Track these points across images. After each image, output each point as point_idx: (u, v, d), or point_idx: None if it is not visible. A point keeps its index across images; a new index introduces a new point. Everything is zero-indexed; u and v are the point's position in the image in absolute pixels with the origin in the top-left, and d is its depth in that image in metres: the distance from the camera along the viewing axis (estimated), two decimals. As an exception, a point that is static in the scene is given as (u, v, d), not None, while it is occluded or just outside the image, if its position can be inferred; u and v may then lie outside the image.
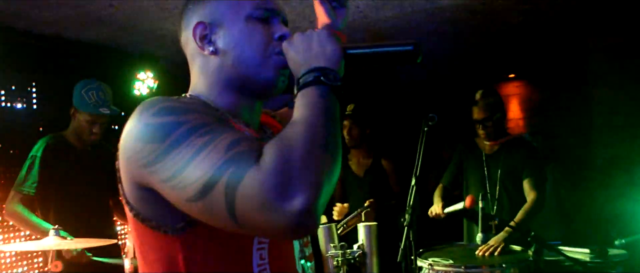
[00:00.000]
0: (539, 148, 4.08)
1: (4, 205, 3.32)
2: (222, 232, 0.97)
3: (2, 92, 3.95)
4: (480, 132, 3.55)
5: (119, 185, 1.09)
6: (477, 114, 3.53)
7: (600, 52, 4.90)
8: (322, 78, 1.02)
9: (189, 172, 0.90)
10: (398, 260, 2.60)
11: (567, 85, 5.84)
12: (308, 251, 1.31)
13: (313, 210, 0.86)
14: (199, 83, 1.21)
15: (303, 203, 0.84)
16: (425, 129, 2.90)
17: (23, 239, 3.81)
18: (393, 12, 4.01)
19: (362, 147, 4.23)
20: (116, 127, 4.46)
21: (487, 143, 3.60)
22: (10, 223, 3.56)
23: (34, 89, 4.18)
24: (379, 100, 7.23)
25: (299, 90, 1.03)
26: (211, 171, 0.88)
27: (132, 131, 1.01)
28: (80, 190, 3.39)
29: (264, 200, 0.84)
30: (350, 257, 3.07)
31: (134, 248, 1.13)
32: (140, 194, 1.03)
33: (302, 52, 1.08)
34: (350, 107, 4.20)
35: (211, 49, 1.18)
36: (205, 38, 1.18)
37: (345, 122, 4.16)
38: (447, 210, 3.48)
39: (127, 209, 1.09)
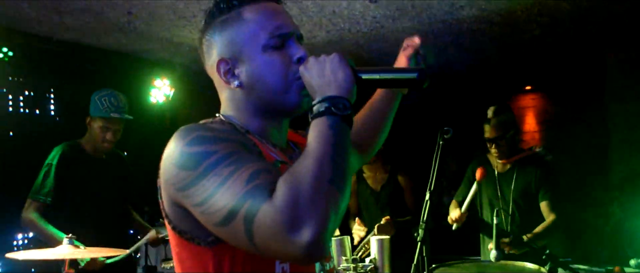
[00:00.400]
0: (552, 163, 4.03)
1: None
2: None
3: (21, 99, 4.00)
4: (493, 150, 3.50)
5: (160, 200, 1.20)
6: (489, 132, 3.47)
7: (618, 67, 4.85)
8: (332, 108, 1.09)
9: (215, 200, 1.02)
10: (410, 275, 2.57)
11: (585, 100, 5.78)
12: (329, 265, 1.35)
13: (321, 240, 0.94)
14: (228, 109, 1.31)
15: (311, 236, 0.93)
16: (441, 142, 2.87)
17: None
18: (411, 23, 4.01)
19: (378, 161, 4.20)
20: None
21: (500, 161, 3.56)
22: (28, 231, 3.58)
23: (51, 96, 4.23)
24: (396, 114, 7.20)
25: (311, 119, 1.11)
26: (233, 202, 0.99)
27: (170, 156, 1.12)
28: (94, 198, 3.41)
29: (276, 233, 0.94)
30: (362, 270, 3.06)
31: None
32: (177, 211, 1.14)
33: (316, 78, 1.16)
34: None
35: (236, 83, 1.26)
36: (228, 72, 1.27)
37: None
38: (465, 206, 3.41)
39: (166, 222, 1.20)
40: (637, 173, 4.17)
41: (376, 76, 1.20)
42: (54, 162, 3.30)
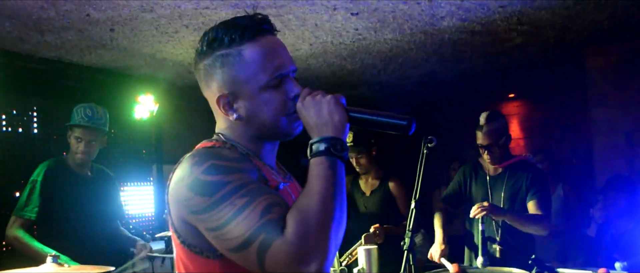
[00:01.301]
0: (543, 171, 4.06)
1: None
2: None
3: (3, 117, 3.97)
4: (485, 157, 3.53)
5: (168, 217, 1.30)
6: (481, 139, 3.49)
7: (599, 71, 4.91)
8: (331, 149, 1.23)
9: (230, 228, 1.14)
10: (398, 284, 2.58)
11: (567, 105, 5.85)
12: None
13: (325, 268, 1.12)
14: (227, 132, 1.40)
15: (318, 267, 1.10)
16: (425, 151, 2.89)
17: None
18: (392, 35, 4.04)
19: (372, 167, 4.21)
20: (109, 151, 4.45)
21: (492, 166, 3.59)
22: (10, 248, 3.54)
23: (35, 114, 4.20)
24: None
25: (311, 156, 1.25)
26: (248, 232, 1.12)
27: (184, 180, 1.22)
28: (80, 215, 3.38)
29: (288, 264, 1.09)
30: (350, 280, 3.05)
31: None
32: (188, 228, 1.24)
33: (313, 118, 1.29)
34: (349, 138, 4.14)
35: (235, 115, 1.36)
36: (227, 105, 1.36)
37: (351, 154, 4.11)
38: (443, 260, 3.45)
39: (174, 236, 1.30)
40: (620, 177, 4.21)
41: (367, 118, 1.33)
42: (39, 178, 3.28)
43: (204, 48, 1.36)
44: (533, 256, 2.78)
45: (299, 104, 1.31)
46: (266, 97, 1.33)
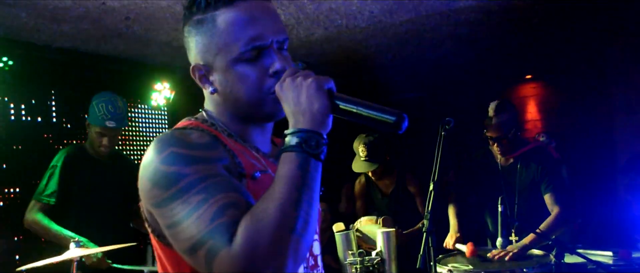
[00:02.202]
0: (555, 156, 4.01)
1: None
2: None
3: (23, 107, 4.02)
4: (495, 148, 3.49)
5: (141, 204, 1.18)
6: (490, 131, 3.45)
7: (618, 51, 4.84)
8: (303, 145, 1.07)
9: (181, 228, 1.02)
10: (417, 266, 2.58)
11: (586, 86, 5.77)
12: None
13: None
14: (211, 107, 1.30)
15: None
16: (443, 133, 2.88)
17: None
18: (408, 16, 4.00)
19: (384, 167, 4.19)
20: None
21: (503, 156, 3.55)
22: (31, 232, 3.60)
23: (53, 103, 4.24)
24: (398, 107, 7.20)
25: (282, 150, 1.09)
26: (197, 237, 0.99)
27: (146, 168, 1.11)
28: (99, 199, 3.44)
29: None
30: (368, 264, 3.06)
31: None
32: (154, 218, 1.13)
33: (291, 103, 1.12)
34: (363, 153, 4.06)
35: (211, 89, 1.25)
36: (203, 78, 1.25)
37: (365, 169, 4.08)
38: (457, 246, 3.44)
39: (146, 225, 1.19)
40: (641, 157, 4.16)
41: (353, 109, 1.14)
42: (59, 164, 3.35)
43: (185, 12, 1.25)
44: (553, 236, 2.76)
45: (277, 86, 1.16)
46: (240, 71, 1.19)
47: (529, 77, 6.63)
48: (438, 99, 6.92)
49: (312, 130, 1.09)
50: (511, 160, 3.53)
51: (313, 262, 1.31)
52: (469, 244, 3.24)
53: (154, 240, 1.20)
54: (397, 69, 5.88)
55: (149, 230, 1.19)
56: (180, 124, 1.27)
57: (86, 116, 3.50)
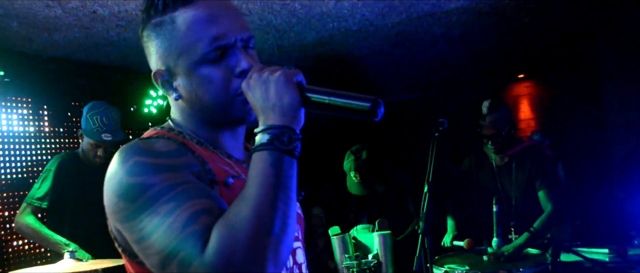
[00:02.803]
0: (551, 148, 4.03)
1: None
2: None
3: (15, 117, 4.01)
4: (490, 147, 3.50)
5: (107, 221, 1.11)
6: (485, 130, 3.45)
7: (609, 49, 4.86)
8: (275, 141, 1.00)
9: (151, 242, 0.95)
10: (414, 268, 2.58)
11: (578, 83, 5.80)
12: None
13: None
14: (177, 115, 1.22)
15: None
16: (436, 134, 2.88)
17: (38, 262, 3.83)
18: (400, 18, 4.01)
19: (378, 165, 4.19)
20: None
21: (497, 155, 3.56)
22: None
23: (46, 113, 4.23)
24: (391, 109, 7.22)
25: (252, 150, 1.02)
26: (168, 248, 0.92)
27: (110, 181, 1.04)
28: (92, 206, 3.43)
29: None
30: (365, 266, 3.06)
31: None
32: (122, 235, 1.06)
33: (259, 100, 1.05)
34: (356, 178, 4.02)
35: (175, 95, 1.17)
36: (166, 83, 1.18)
37: (355, 175, 4.04)
38: (455, 243, 3.45)
39: (115, 244, 1.13)
40: (635, 153, 4.17)
41: (325, 99, 1.06)
42: (53, 168, 3.36)
43: (142, 17, 1.17)
44: (548, 235, 2.76)
45: (244, 84, 1.08)
46: (204, 73, 1.11)
47: (521, 76, 6.65)
48: (431, 100, 6.94)
49: (283, 125, 1.02)
50: (506, 159, 3.54)
51: (298, 271, 1.24)
52: (468, 239, 3.25)
53: (125, 260, 1.12)
54: (390, 71, 5.89)
55: (119, 249, 1.11)
56: (145, 134, 1.20)
57: (79, 126, 3.49)
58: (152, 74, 1.18)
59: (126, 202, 0.99)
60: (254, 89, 1.06)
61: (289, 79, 1.05)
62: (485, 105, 3.44)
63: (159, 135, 1.16)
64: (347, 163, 4.01)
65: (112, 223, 1.07)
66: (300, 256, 1.28)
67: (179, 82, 1.15)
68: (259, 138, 1.02)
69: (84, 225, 3.38)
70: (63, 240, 3.11)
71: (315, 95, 1.07)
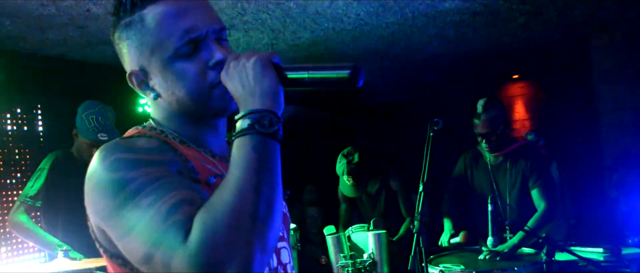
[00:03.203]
0: (545, 148, 4.04)
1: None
2: None
3: (8, 116, 3.98)
4: (484, 145, 3.51)
5: (88, 222, 1.10)
6: (479, 128, 3.46)
7: (602, 49, 4.87)
8: (256, 125, 0.98)
9: (133, 237, 0.92)
10: (409, 267, 2.58)
11: (572, 84, 5.82)
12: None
13: None
14: (158, 114, 1.20)
15: None
16: (431, 134, 2.89)
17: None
18: (394, 18, 4.01)
19: (369, 166, 4.19)
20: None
21: (492, 154, 3.57)
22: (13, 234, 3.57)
23: (39, 112, 4.21)
24: (386, 109, 7.23)
25: (234, 136, 1.00)
26: (150, 241, 0.90)
27: (91, 180, 1.02)
28: (81, 204, 3.41)
29: None
30: (360, 266, 3.06)
31: None
32: (105, 236, 1.04)
33: (238, 88, 1.04)
34: (349, 180, 4.03)
35: (153, 94, 1.16)
36: (142, 84, 1.16)
37: (348, 178, 4.06)
38: (452, 241, 3.45)
39: (96, 245, 1.11)
40: (629, 154, 4.19)
41: (305, 75, 1.06)
42: (47, 167, 3.34)
43: (113, 19, 1.15)
44: (543, 234, 2.77)
45: (223, 74, 1.07)
46: (178, 68, 1.09)
47: (515, 76, 6.67)
48: (426, 100, 6.95)
49: (263, 109, 1.00)
50: (500, 159, 3.55)
51: (283, 271, 1.22)
52: (463, 233, 3.25)
53: (108, 262, 1.10)
54: (385, 71, 5.89)
55: (101, 251, 1.09)
56: (126, 134, 1.19)
57: (74, 125, 3.46)
58: (127, 76, 1.17)
59: (107, 198, 0.97)
60: (232, 77, 1.04)
61: (266, 62, 1.04)
62: (480, 104, 3.45)
63: (141, 133, 1.15)
64: (340, 167, 4.01)
65: (94, 223, 1.05)
66: (285, 256, 1.25)
67: (154, 81, 1.14)
68: (239, 125, 1.00)
69: (78, 223, 3.36)
70: (56, 241, 3.09)
71: (293, 73, 1.06)
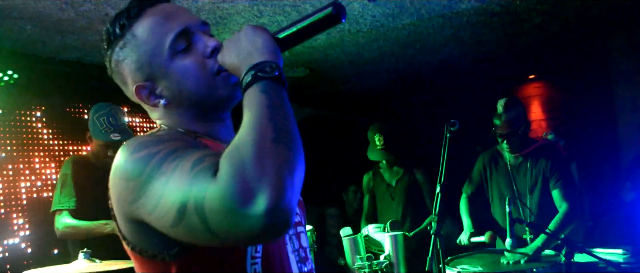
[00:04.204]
0: (565, 148, 4.01)
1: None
2: (214, 253, 1.04)
3: (29, 119, 4.03)
4: (505, 145, 3.48)
5: (115, 223, 1.13)
6: (500, 128, 3.43)
7: (621, 49, 4.83)
8: (259, 74, 1.02)
9: (164, 201, 0.94)
10: (426, 269, 2.57)
11: (589, 84, 5.77)
12: (306, 267, 1.28)
13: (281, 205, 0.85)
14: (167, 121, 1.25)
15: (268, 203, 0.84)
16: (448, 135, 2.88)
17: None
18: (410, 20, 4.01)
19: (393, 155, 4.20)
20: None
21: (512, 154, 3.54)
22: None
23: (59, 115, 4.26)
24: (403, 111, 7.22)
25: (243, 94, 1.03)
26: (180, 195, 0.91)
27: (117, 169, 1.06)
28: (104, 206, 3.43)
29: (229, 210, 0.85)
30: (377, 267, 3.06)
31: None
32: (135, 228, 1.07)
33: (236, 57, 1.08)
34: (380, 140, 4.11)
35: (162, 101, 1.21)
36: (151, 95, 1.21)
37: (379, 138, 4.12)
38: (473, 239, 3.43)
39: (124, 244, 1.14)
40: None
41: (294, 29, 1.12)
42: (69, 172, 3.38)
43: (105, 50, 1.23)
44: (562, 236, 2.75)
45: (219, 56, 1.13)
46: (179, 65, 1.16)
47: (532, 76, 6.63)
48: (442, 101, 6.93)
49: (262, 61, 1.04)
50: (520, 158, 3.52)
51: (304, 254, 1.27)
52: (490, 233, 3.22)
53: (134, 258, 1.13)
54: (401, 72, 5.89)
55: (128, 247, 1.12)
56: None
57: (88, 130, 3.50)
58: (134, 91, 1.21)
59: (136, 178, 1.00)
60: (229, 51, 1.10)
61: (256, 26, 1.11)
62: (500, 104, 3.43)
63: (159, 130, 1.22)
64: (372, 131, 4.09)
65: (124, 214, 1.07)
66: (304, 240, 1.30)
67: (161, 86, 1.19)
68: (244, 81, 1.04)
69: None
70: (101, 221, 3.16)
71: (283, 33, 1.13)
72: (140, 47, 1.17)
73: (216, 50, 1.16)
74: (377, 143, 4.06)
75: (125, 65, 1.20)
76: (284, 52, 1.13)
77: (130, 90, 1.23)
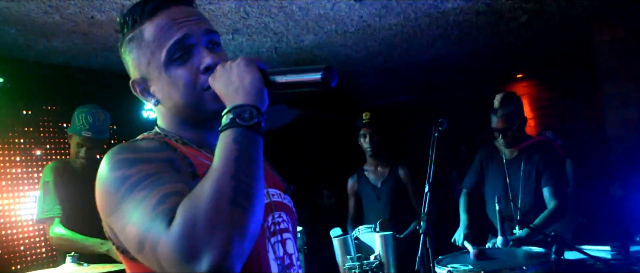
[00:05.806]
0: (559, 151, 4.02)
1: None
2: None
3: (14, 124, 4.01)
4: (501, 140, 3.49)
5: (103, 223, 1.15)
6: (496, 123, 3.45)
7: (607, 46, 4.86)
8: (237, 119, 1.04)
9: (129, 228, 0.99)
10: (416, 268, 2.58)
11: (577, 82, 5.81)
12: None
13: (225, 267, 0.89)
14: (161, 121, 1.30)
15: (211, 264, 0.88)
16: (436, 134, 2.89)
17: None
18: (397, 20, 4.02)
19: (380, 156, 4.19)
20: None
21: (507, 149, 3.56)
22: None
23: (45, 119, 4.23)
24: (390, 109, 7.22)
25: (219, 132, 1.06)
26: (141, 230, 0.96)
27: (99, 180, 1.10)
28: (88, 211, 3.40)
29: (176, 261, 0.90)
30: (367, 268, 3.06)
31: None
32: (115, 232, 1.09)
33: (224, 87, 1.11)
34: (366, 115, 4.13)
35: (153, 101, 1.26)
36: (144, 91, 1.26)
37: (364, 130, 4.11)
38: (465, 244, 3.44)
39: (112, 244, 1.17)
40: (634, 150, 4.18)
41: (283, 79, 1.12)
42: (50, 179, 3.33)
43: (120, 36, 1.28)
44: (552, 233, 2.76)
45: (210, 79, 1.15)
46: (171, 74, 1.19)
47: (519, 75, 6.66)
48: (430, 100, 6.95)
49: (245, 104, 1.06)
50: (516, 154, 3.53)
51: (289, 261, 1.27)
52: (477, 250, 3.22)
53: (124, 261, 1.16)
54: (389, 72, 5.90)
55: (114, 246, 1.15)
56: (139, 137, 1.28)
57: (66, 126, 3.49)
58: (130, 83, 1.27)
59: (110, 195, 1.04)
60: (219, 79, 1.13)
61: (249, 62, 1.12)
62: (497, 99, 3.45)
63: (144, 138, 1.25)
64: (361, 118, 4.09)
65: (104, 222, 1.12)
66: (291, 247, 1.31)
67: (154, 88, 1.24)
68: (223, 121, 1.06)
69: (80, 230, 3.35)
70: (97, 239, 3.11)
71: (277, 77, 1.13)
72: (143, 47, 1.22)
73: (210, 69, 1.17)
74: (364, 117, 4.07)
75: (129, 58, 1.26)
76: (270, 91, 1.13)
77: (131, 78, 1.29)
